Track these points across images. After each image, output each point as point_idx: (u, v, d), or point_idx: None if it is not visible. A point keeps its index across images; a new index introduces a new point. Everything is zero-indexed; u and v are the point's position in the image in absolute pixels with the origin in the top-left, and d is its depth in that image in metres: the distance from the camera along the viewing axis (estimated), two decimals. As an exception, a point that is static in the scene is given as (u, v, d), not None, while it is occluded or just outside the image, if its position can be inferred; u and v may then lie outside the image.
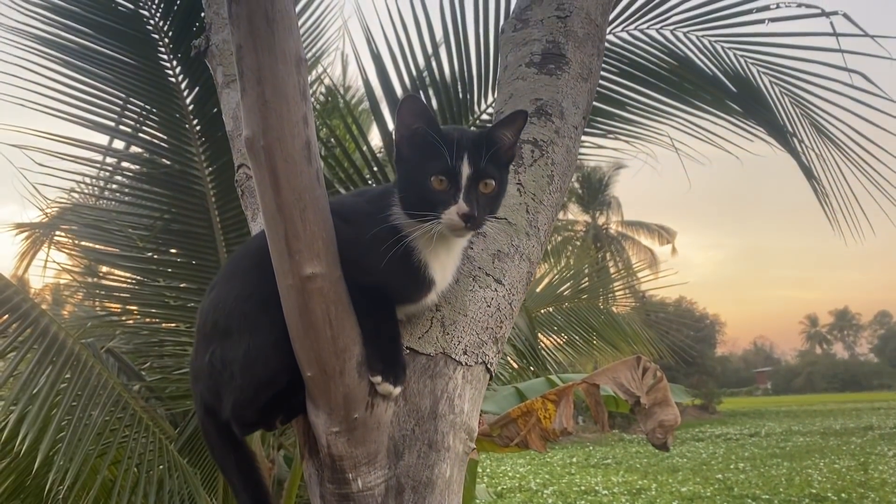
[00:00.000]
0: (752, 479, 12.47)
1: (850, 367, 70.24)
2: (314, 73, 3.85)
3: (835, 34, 2.64)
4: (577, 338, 4.94)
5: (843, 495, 10.41)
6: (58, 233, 4.00)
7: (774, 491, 11.18)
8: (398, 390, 1.32)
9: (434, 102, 3.23)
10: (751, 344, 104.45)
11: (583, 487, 12.13)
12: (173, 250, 3.64)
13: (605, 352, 5.11)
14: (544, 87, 1.72)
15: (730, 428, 24.57)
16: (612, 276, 6.98)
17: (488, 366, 1.47)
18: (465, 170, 1.24)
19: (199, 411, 1.45)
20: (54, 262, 3.93)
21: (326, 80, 3.99)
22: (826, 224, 3.01)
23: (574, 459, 16.79)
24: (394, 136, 1.32)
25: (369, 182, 3.30)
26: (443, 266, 1.35)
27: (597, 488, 11.92)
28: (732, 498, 10.73)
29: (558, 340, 4.91)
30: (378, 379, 1.30)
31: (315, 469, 1.39)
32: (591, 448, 19.40)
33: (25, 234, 5.33)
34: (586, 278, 5.41)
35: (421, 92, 3.19)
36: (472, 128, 3.11)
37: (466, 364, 1.42)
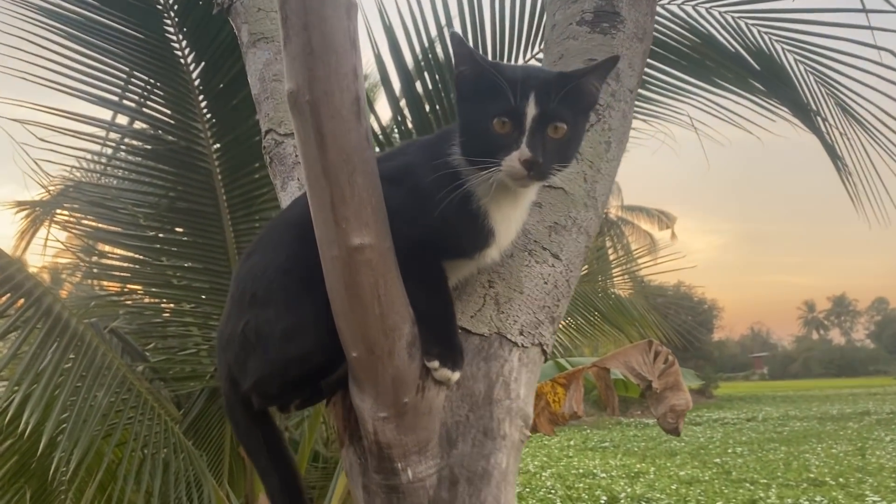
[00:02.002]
0: (750, 464, 12.50)
1: (846, 353, 70.40)
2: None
3: (864, 10, 2.55)
4: (581, 321, 4.89)
5: (840, 480, 10.43)
6: (59, 211, 3.92)
7: (772, 475, 11.20)
8: (457, 375, 1.21)
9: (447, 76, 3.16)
10: (748, 329, 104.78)
11: (581, 470, 12.14)
12: (178, 229, 3.56)
13: (609, 335, 5.07)
14: (598, 46, 1.57)
15: (727, 412, 24.65)
16: (612, 260, 6.92)
17: (544, 347, 1.35)
18: (531, 110, 1.09)
19: (225, 385, 1.36)
20: (56, 240, 3.86)
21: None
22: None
23: (572, 442, 16.83)
24: (454, 74, 1.20)
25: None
26: (506, 218, 1.21)
27: (595, 471, 11.93)
28: (731, 482, 10.74)
29: (563, 323, 4.86)
30: (435, 364, 1.19)
31: (357, 458, 1.29)
32: (588, 431, 19.44)
33: (25, 212, 5.24)
34: (586, 264, 5.34)
35: (433, 62, 3.11)
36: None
37: (522, 345, 1.30)
